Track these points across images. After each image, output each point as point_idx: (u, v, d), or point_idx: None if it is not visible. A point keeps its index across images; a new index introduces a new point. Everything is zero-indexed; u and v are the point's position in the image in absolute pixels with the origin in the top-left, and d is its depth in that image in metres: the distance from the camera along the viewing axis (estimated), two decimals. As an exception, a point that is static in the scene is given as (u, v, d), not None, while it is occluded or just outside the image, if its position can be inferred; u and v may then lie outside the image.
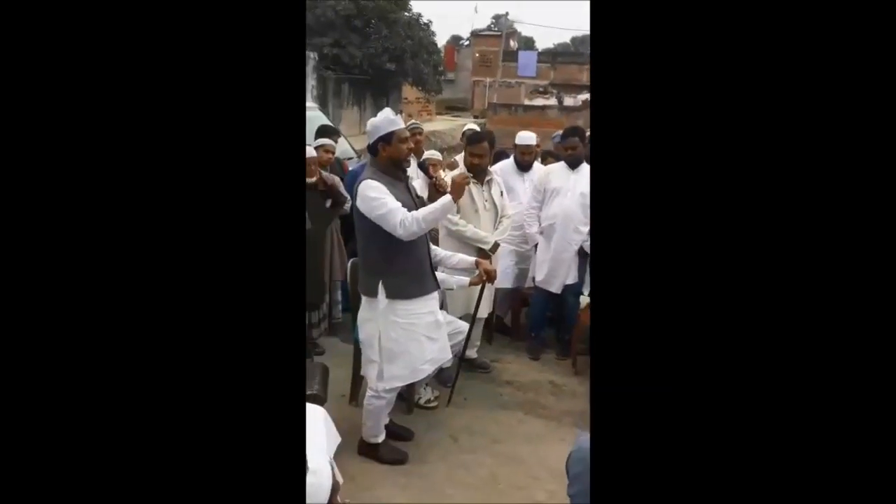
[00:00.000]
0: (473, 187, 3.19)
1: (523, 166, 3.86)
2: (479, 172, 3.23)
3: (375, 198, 2.34)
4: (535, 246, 3.78)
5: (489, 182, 3.31)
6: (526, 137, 3.90)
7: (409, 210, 2.39)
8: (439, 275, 2.67)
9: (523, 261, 3.87)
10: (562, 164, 3.72)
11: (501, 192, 3.41)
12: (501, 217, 3.36)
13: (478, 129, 4.55)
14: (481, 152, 3.24)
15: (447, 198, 2.35)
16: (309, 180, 3.42)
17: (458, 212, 3.05)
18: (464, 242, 3.09)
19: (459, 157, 3.59)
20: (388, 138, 2.43)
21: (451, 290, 2.81)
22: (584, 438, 1.60)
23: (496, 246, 3.26)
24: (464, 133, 3.46)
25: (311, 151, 3.51)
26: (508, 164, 3.96)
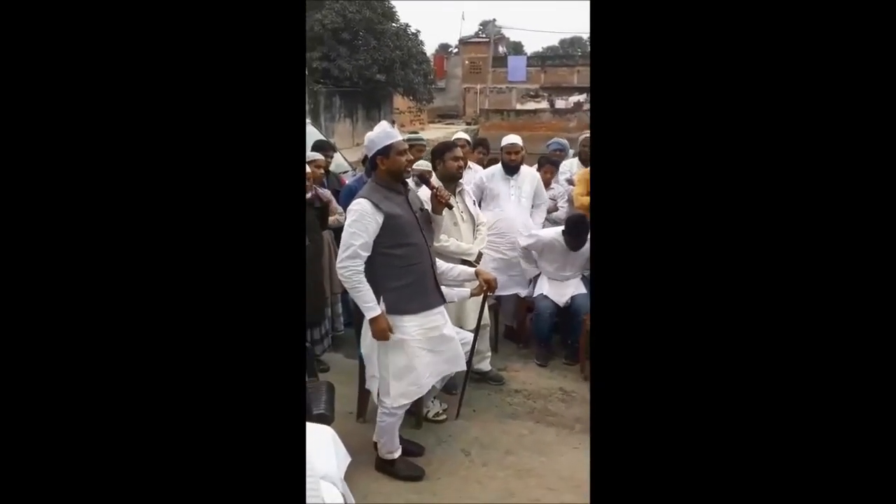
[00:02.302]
0: (451, 200, 3.17)
1: (511, 168, 3.82)
2: (453, 181, 3.19)
3: (352, 223, 2.35)
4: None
5: (461, 193, 3.28)
6: (511, 139, 3.93)
7: (407, 220, 2.40)
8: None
9: (510, 268, 3.80)
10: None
11: (474, 201, 3.41)
12: (478, 226, 3.33)
13: (468, 137, 4.50)
14: (460, 155, 3.22)
15: (373, 311, 2.34)
16: (305, 195, 3.39)
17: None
18: (447, 257, 3.04)
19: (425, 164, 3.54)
20: (385, 151, 2.40)
21: (453, 302, 2.76)
22: None
23: (480, 256, 3.23)
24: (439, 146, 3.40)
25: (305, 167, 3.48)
26: (496, 169, 3.93)
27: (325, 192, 3.62)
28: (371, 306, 2.35)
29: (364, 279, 2.34)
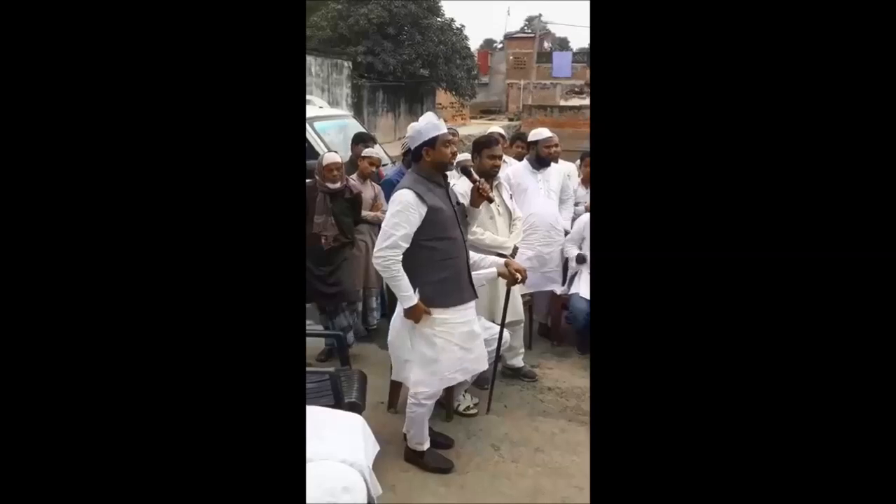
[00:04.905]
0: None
1: (540, 162, 3.78)
2: (491, 176, 3.17)
3: (395, 213, 2.34)
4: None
5: (497, 186, 3.25)
6: (545, 132, 3.86)
7: (447, 214, 2.40)
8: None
9: (543, 264, 3.77)
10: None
11: (511, 196, 3.38)
12: (514, 220, 3.31)
13: (502, 131, 4.44)
14: (499, 153, 3.19)
15: (410, 300, 2.36)
16: (334, 186, 3.41)
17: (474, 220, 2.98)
18: (482, 249, 3.01)
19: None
20: (432, 142, 2.38)
21: (483, 286, 2.73)
22: None
23: (515, 250, 3.21)
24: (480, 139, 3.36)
25: (335, 157, 3.50)
26: (521, 164, 3.90)
27: (356, 185, 3.64)
28: (408, 296, 2.36)
29: (401, 269, 2.35)
